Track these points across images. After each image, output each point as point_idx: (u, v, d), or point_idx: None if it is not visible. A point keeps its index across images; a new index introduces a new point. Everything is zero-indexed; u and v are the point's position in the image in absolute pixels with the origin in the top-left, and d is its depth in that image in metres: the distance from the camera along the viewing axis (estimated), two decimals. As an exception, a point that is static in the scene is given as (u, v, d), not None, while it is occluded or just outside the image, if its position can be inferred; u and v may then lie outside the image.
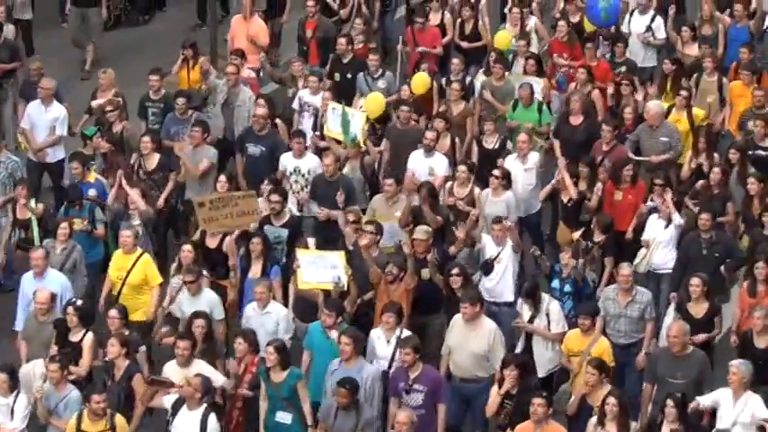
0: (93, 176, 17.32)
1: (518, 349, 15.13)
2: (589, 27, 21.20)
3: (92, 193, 16.90)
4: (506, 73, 19.77)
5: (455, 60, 20.08)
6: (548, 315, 15.17)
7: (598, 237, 16.54)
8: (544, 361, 15.12)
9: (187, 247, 15.85)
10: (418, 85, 19.56)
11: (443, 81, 20.09)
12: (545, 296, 15.37)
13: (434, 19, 21.55)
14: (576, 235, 16.66)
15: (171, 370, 14.33)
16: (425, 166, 17.72)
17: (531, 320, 15.21)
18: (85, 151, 18.22)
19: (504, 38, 20.83)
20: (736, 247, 16.51)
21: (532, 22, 21.55)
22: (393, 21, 23.56)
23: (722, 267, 16.23)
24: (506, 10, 22.31)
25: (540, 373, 15.02)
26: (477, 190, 17.25)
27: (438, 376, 14.37)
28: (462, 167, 17.33)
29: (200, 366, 14.24)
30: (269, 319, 15.05)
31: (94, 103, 19.07)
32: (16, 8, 22.98)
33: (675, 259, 16.52)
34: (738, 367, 13.83)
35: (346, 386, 13.56)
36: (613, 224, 16.81)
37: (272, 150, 18.02)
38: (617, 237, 17.02)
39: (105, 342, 14.65)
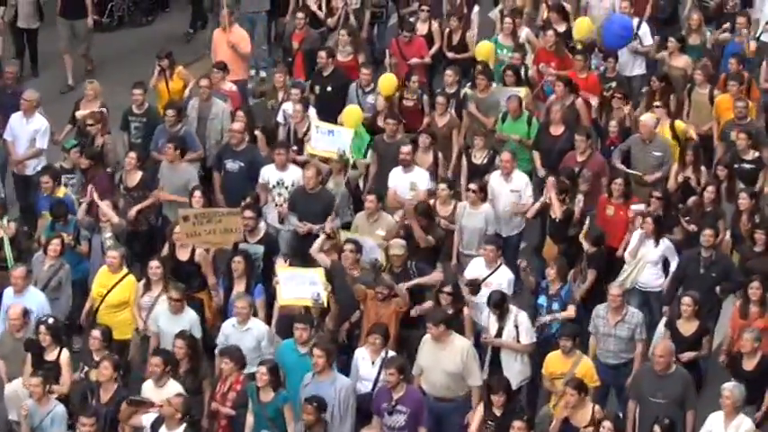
0: (62, 191, 17.09)
1: (486, 364, 14.94)
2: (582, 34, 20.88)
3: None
4: (492, 84, 19.51)
5: (448, 72, 19.71)
6: (516, 327, 14.94)
7: (588, 248, 16.31)
8: (514, 373, 14.90)
9: (154, 264, 15.67)
10: (385, 86, 19.40)
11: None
12: (512, 307, 15.12)
13: (422, 29, 21.27)
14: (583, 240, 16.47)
15: (148, 389, 14.15)
16: (406, 181, 17.54)
17: (499, 332, 14.96)
18: (65, 164, 17.91)
19: (486, 48, 20.58)
20: (733, 269, 16.18)
21: (524, 33, 21.22)
22: (386, 30, 23.13)
23: (717, 288, 15.88)
24: (491, 15, 22.20)
25: (513, 385, 14.63)
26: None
27: (421, 398, 14.17)
28: (443, 185, 17.16)
29: (176, 388, 14.02)
30: (249, 335, 14.92)
31: (78, 114, 18.82)
32: (22, 18, 22.41)
33: (672, 275, 16.28)
34: (732, 391, 13.71)
35: (313, 403, 13.44)
36: (604, 236, 16.55)
37: (251, 166, 17.84)
38: (608, 251, 16.76)
39: (85, 360, 14.69)
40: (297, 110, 18.69)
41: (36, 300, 15.47)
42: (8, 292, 15.63)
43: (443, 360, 14.43)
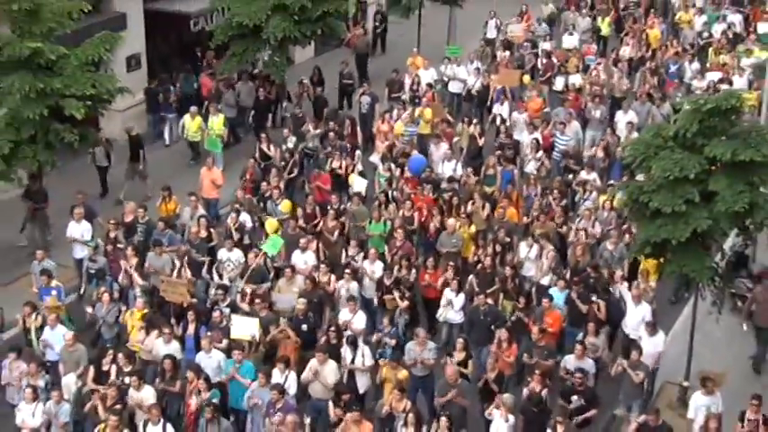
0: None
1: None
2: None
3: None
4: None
5: (333, 197, 19.62)
6: (363, 356, 14.99)
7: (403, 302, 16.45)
8: (362, 383, 14.97)
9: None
10: (285, 206, 19.36)
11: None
12: (360, 343, 15.16)
13: (336, 164, 21.02)
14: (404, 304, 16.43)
15: (132, 392, 14.14)
16: (302, 260, 17.43)
17: (353, 360, 15.00)
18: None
19: (354, 179, 20.60)
20: (500, 315, 16.17)
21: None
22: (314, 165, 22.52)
23: (492, 327, 15.79)
24: (372, 159, 21.88)
25: (361, 390, 14.89)
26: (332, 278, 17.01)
27: (293, 407, 14.06)
28: (323, 266, 17.20)
29: (149, 391, 14.15)
30: (212, 360, 14.88)
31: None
32: (98, 157, 21.84)
33: (465, 320, 16.32)
34: (506, 399, 13.88)
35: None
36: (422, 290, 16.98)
37: (198, 251, 17.84)
38: (427, 300, 17.00)
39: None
40: (232, 216, 18.63)
41: (62, 329, 15.46)
42: (47, 328, 15.53)
43: (323, 376, 14.54)
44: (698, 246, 14.15)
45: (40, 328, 15.67)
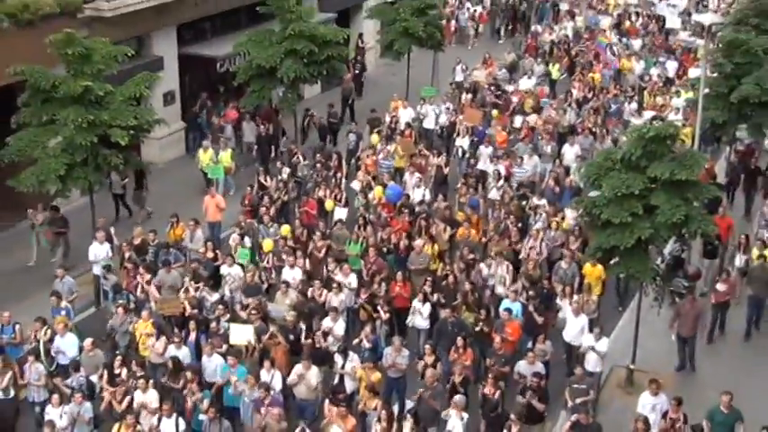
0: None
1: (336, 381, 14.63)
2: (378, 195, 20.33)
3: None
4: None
5: (321, 224, 19.16)
6: (351, 361, 14.60)
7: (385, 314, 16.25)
8: (350, 385, 14.47)
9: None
10: (285, 231, 18.80)
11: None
12: (349, 352, 14.82)
13: (322, 193, 20.63)
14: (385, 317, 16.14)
15: (138, 394, 13.76)
16: (290, 275, 17.03)
17: (344, 365, 14.64)
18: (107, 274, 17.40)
19: (330, 204, 20.25)
20: (465, 325, 15.64)
21: (371, 193, 20.59)
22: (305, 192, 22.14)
23: (458, 338, 15.10)
24: (353, 185, 21.45)
25: (349, 391, 14.39)
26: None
27: (280, 403, 13.79)
28: (317, 282, 16.89)
29: (153, 394, 13.68)
30: (213, 363, 14.62)
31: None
32: (114, 185, 21.36)
33: (434, 330, 15.77)
34: (459, 401, 13.46)
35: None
36: (393, 300, 16.50)
37: (205, 268, 17.51)
38: (398, 310, 16.53)
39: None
40: (234, 238, 18.42)
41: (72, 338, 15.09)
42: (58, 336, 15.07)
43: (306, 379, 14.25)
44: (642, 251, 14.59)
45: (49, 341, 15.29)
